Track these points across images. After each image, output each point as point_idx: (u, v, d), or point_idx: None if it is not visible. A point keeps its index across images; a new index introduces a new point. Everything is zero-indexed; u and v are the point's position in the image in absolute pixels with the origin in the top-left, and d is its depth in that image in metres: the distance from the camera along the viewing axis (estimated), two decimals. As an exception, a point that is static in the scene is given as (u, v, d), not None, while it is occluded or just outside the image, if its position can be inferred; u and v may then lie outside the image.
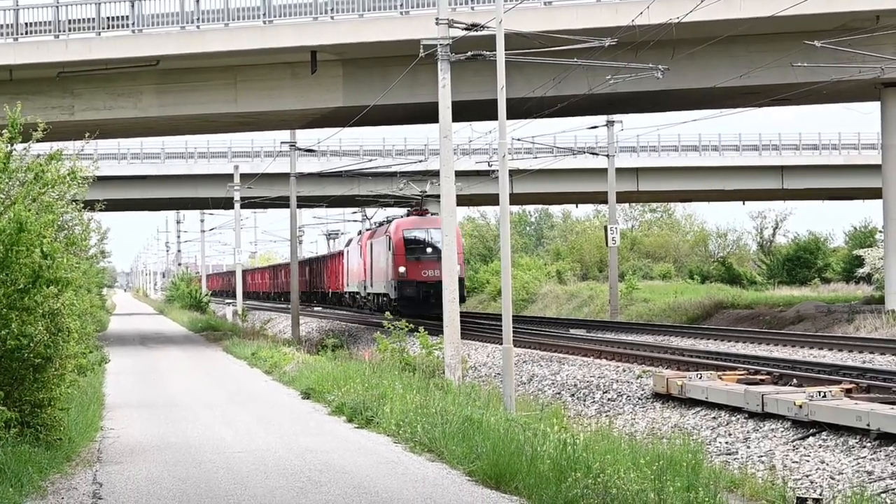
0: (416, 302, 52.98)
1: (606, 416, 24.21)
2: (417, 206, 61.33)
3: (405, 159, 75.01)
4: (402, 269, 53.38)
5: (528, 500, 14.18)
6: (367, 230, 68.62)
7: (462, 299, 51.92)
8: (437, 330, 41.68)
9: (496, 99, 25.19)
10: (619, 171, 62.72)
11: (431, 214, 58.53)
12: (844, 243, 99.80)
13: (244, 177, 69.66)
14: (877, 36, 38.62)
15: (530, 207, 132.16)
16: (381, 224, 64.74)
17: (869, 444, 17.54)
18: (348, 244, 76.73)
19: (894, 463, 16.64)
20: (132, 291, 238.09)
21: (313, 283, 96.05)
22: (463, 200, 65.51)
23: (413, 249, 54.22)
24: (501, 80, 24.94)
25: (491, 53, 26.15)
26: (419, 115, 46.06)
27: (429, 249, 53.75)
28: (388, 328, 32.57)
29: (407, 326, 32.30)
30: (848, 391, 20.83)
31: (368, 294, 63.72)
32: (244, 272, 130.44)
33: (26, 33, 43.75)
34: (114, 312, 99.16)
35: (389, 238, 55.64)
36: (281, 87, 45.16)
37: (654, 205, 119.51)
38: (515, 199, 76.70)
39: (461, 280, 50.71)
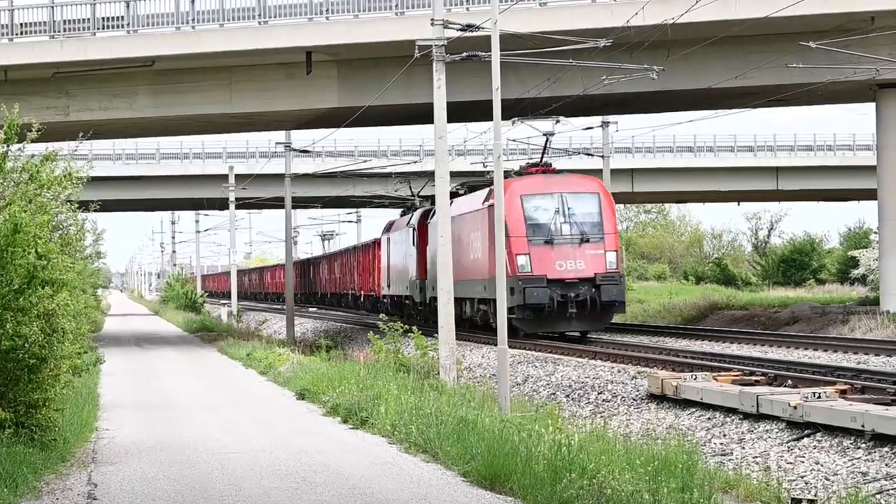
0: (547, 312, 36.39)
1: (601, 416, 24.20)
2: (536, 163, 41.51)
3: (400, 160, 75.01)
4: (522, 261, 36.77)
5: (524, 500, 14.18)
6: (416, 208, 52.37)
7: (620, 306, 37.42)
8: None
9: (491, 99, 25.19)
10: (614, 171, 62.76)
11: (562, 172, 40.61)
12: (839, 244, 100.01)
13: (239, 177, 69.68)
14: (872, 37, 38.63)
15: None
16: (458, 192, 44.85)
17: (864, 445, 17.54)
18: (389, 229, 58.08)
19: (889, 464, 16.64)
20: (127, 292, 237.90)
21: (342, 284, 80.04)
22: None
23: (540, 227, 37.20)
24: (496, 81, 24.94)
25: (486, 54, 26.14)
26: (414, 115, 46.03)
27: (567, 227, 37.15)
28: (383, 329, 32.31)
29: (401, 327, 31.91)
30: (843, 392, 20.84)
31: (431, 300, 44.86)
32: (261, 270, 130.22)
33: (21, 34, 43.75)
34: (109, 313, 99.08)
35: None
36: (276, 88, 45.14)
37: (648, 206, 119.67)
38: (510, 199, 76.51)
39: (620, 276, 37.44)
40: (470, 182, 45.80)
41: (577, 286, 36.15)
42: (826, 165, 77.63)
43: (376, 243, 63.76)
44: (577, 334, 37.93)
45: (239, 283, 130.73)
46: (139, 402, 26.72)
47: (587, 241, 36.78)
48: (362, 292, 70.12)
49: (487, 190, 38.57)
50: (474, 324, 40.77)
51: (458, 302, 41.49)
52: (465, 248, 40.67)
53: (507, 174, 36.80)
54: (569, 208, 37.15)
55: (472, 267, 39.92)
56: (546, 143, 41.09)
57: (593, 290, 36.29)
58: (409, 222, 51.69)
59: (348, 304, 78.17)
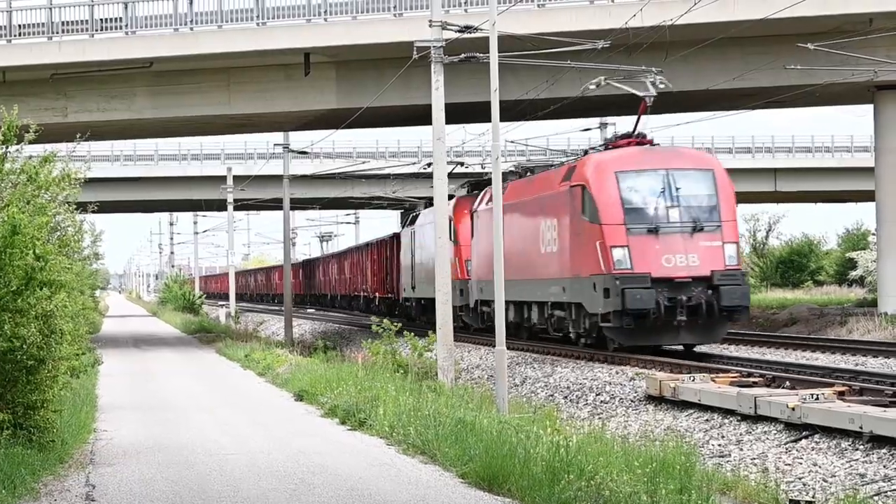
0: (652, 320, 28.70)
1: (599, 418, 24.19)
2: (628, 134, 33.07)
3: (398, 161, 75.02)
4: (618, 254, 29.05)
5: (522, 502, 14.18)
6: (451, 196, 39.61)
7: (744, 312, 29.81)
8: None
9: (489, 101, 25.20)
10: (613, 173, 62.59)
11: (662, 144, 33.70)
12: (837, 246, 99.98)
13: (237, 178, 69.70)
14: (870, 38, 38.65)
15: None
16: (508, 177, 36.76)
17: (861, 447, 17.54)
18: (412, 222, 51.09)
19: (887, 465, 16.65)
20: (125, 293, 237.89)
21: (352, 285, 72.88)
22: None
23: (641, 212, 29.55)
24: (495, 83, 24.93)
25: (484, 56, 26.15)
26: (413, 117, 46.06)
27: (675, 213, 29.55)
28: (377, 331, 32.15)
29: (395, 328, 31.73)
30: (841, 394, 20.84)
31: (478, 305, 39.38)
32: (268, 270, 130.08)
33: (19, 35, 43.75)
34: (107, 314, 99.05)
35: (582, 191, 30.50)
36: (274, 89, 45.16)
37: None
38: (509, 201, 76.43)
39: (742, 275, 30.25)
40: (526, 164, 40.03)
41: (688, 287, 28.79)
42: (824, 167, 77.73)
43: (395, 238, 57.01)
44: (681, 348, 30.57)
45: (244, 283, 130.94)
46: (137, 403, 26.71)
47: (701, 229, 29.41)
48: (377, 294, 62.41)
49: (566, 168, 32.39)
50: (535, 333, 34.05)
51: (519, 307, 35.83)
52: (530, 240, 33.99)
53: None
54: (677, 189, 29.59)
55: (540, 263, 33.02)
56: (642, 108, 32.58)
57: (709, 291, 28.88)
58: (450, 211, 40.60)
59: (359, 308, 70.12)
